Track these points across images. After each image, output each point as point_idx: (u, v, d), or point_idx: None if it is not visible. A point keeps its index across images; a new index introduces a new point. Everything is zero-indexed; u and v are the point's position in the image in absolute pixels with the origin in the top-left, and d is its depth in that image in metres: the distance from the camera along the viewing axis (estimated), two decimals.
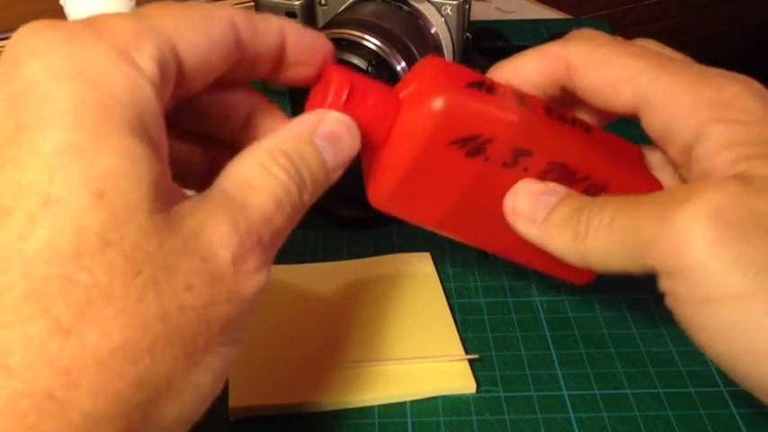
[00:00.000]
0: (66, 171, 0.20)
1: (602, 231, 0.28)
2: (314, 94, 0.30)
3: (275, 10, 0.55)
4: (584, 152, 0.31)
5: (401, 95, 0.30)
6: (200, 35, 0.24)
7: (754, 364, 0.24)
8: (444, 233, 0.33)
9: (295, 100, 0.50)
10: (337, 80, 0.28)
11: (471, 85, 0.30)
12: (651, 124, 0.30)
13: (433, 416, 0.34)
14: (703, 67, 0.30)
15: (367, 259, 0.42)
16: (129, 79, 0.22)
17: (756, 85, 0.28)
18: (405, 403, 0.35)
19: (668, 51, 0.31)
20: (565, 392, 0.35)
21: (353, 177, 0.37)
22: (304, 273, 0.41)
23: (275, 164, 0.25)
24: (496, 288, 0.41)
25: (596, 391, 0.35)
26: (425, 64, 0.31)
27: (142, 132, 0.21)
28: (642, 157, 0.33)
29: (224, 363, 0.24)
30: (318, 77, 0.29)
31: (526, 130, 0.31)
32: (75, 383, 0.20)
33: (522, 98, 0.31)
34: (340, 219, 0.45)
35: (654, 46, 0.32)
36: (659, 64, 0.30)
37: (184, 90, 0.25)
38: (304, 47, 0.28)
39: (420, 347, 0.37)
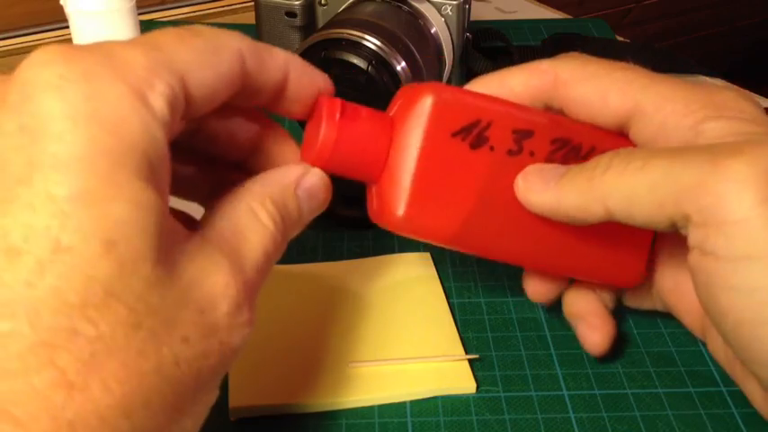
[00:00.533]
0: (78, 218, 0.20)
1: (629, 173, 0.26)
2: (309, 126, 0.30)
3: (275, 10, 0.55)
4: (580, 126, 0.32)
5: (391, 114, 0.30)
6: (208, 69, 0.24)
7: None
8: (464, 248, 0.32)
9: None
10: (328, 101, 0.29)
11: (456, 89, 0.31)
12: (643, 130, 0.30)
13: (433, 416, 0.34)
14: (692, 81, 0.30)
15: (367, 259, 0.42)
16: (143, 122, 0.22)
17: (746, 92, 0.28)
18: (405, 403, 0.35)
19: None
20: (565, 392, 0.35)
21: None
22: (304, 273, 0.41)
23: (264, 211, 0.26)
24: (496, 288, 0.41)
25: (596, 391, 0.35)
26: (405, 87, 0.32)
27: (151, 176, 0.21)
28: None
29: (205, 409, 0.24)
30: (312, 110, 0.29)
31: (519, 108, 0.31)
32: None
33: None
34: (340, 219, 0.45)
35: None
36: (648, 75, 0.30)
37: (190, 116, 0.25)
38: (304, 85, 0.29)
39: (420, 347, 0.37)
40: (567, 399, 0.35)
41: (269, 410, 0.34)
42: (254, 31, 0.57)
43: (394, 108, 0.31)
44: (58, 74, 0.21)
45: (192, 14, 0.75)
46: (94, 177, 0.20)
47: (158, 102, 0.22)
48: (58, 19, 0.68)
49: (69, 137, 0.20)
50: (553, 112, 0.32)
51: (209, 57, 0.24)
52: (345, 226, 0.45)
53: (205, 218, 0.26)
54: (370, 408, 0.34)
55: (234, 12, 0.76)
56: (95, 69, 0.21)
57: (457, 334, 0.38)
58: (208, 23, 0.71)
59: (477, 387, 0.35)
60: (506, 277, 0.42)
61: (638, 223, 0.27)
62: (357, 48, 0.47)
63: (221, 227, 0.25)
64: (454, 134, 0.30)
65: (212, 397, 0.25)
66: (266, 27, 0.56)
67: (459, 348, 0.37)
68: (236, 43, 0.26)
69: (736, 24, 1.56)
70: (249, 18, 0.64)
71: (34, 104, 0.21)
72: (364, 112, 0.29)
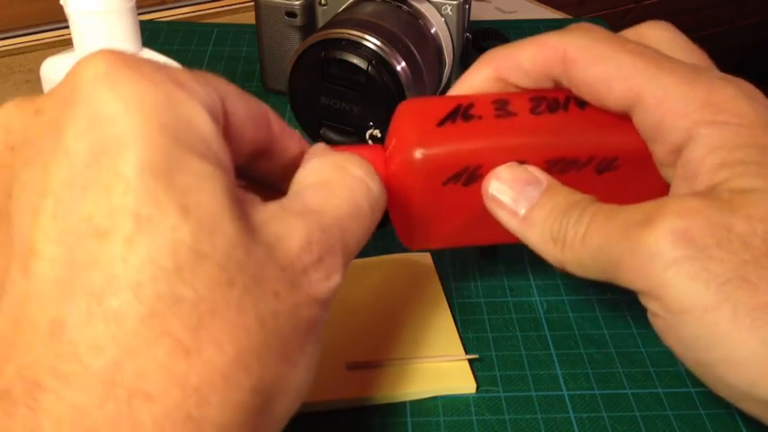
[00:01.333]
0: (149, 190, 0.21)
1: (576, 244, 0.29)
2: None
3: (275, 10, 0.55)
4: (579, 138, 0.32)
5: (387, 152, 0.32)
6: (241, 102, 0.25)
7: (728, 372, 0.25)
8: (472, 245, 0.34)
9: (295, 100, 0.50)
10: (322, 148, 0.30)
11: (445, 119, 0.31)
12: (643, 122, 0.30)
13: (433, 416, 0.34)
14: (699, 67, 0.30)
15: (367, 259, 0.42)
16: (193, 107, 0.22)
17: (749, 87, 0.29)
18: (405, 403, 0.35)
19: (681, 40, 0.31)
20: (565, 392, 0.35)
21: None
22: None
23: (352, 163, 0.27)
24: (496, 288, 0.41)
25: (596, 391, 0.35)
26: (399, 112, 0.32)
27: (207, 153, 0.22)
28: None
29: (313, 360, 0.25)
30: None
31: (509, 146, 0.31)
32: (206, 401, 0.20)
33: (503, 104, 0.32)
34: None
35: (668, 33, 0.31)
36: (655, 62, 0.30)
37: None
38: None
39: (420, 347, 0.37)
40: (566, 399, 0.35)
41: None
42: (254, 31, 0.57)
43: (391, 144, 0.32)
44: (109, 68, 0.22)
45: (192, 14, 0.75)
46: (154, 152, 0.21)
47: (204, 99, 0.23)
48: (58, 19, 0.68)
49: (123, 118, 0.21)
50: (563, 87, 0.32)
51: (241, 93, 0.26)
52: None
53: (292, 182, 0.27)
54: (371, 408, 0.34)
55: (234, 12, 0.76)
56: (144, 67, 0.23)
57: (457, 334, 0.38)
58: (208, 23, 0.71)
59: (477, 387, 0.35)
60: (506, 277, 0.42)
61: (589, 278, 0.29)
62: (357, 48, 0.47)
63: (301, 190, 0.26)
64: (445, 183, 0.31)
65: (317, 348, 0.25)
66: (266, 27, 0.56)
67: (459, 348, 0.37)
68: (264, 106, 0.27)
69: (736, 24, 1.55)
70: (249, 18, 0.64)
71: (85, 93, 0.22)
72: (358, 150, 0.30)
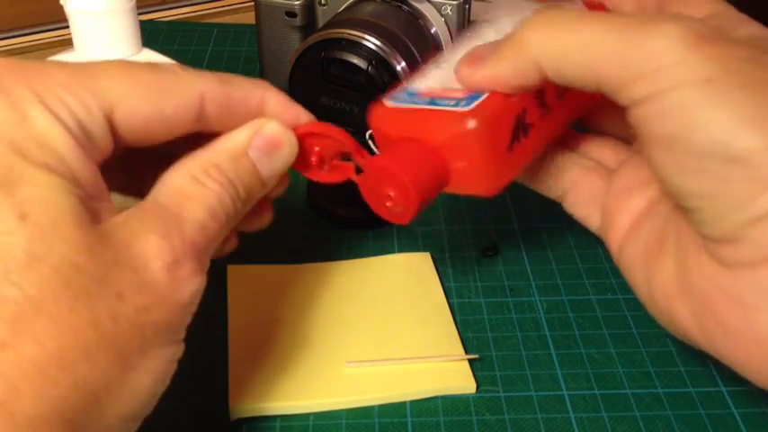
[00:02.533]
0: None
1: (560, 35, 0.27)
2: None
3: (275, 10, 0.55)
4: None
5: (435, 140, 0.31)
6: (146, 105, 0.26)
7: (706, 130, 0.24)
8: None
9: (295, 100, 0.50)
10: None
11: (512, 141, 0.31)
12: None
13: (433, 416, 0.34)
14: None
15: (367, 259, 0.42)
16: (46, 123, 0.23)
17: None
18: (405, 403, 0.35)
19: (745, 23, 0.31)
20: (565, 392, 0.35)
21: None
22: (304, 273, 0.41)
23: (208, 177, 0.27)
24: (496, 288, 0.41)
25: (596, 391, 0.35)
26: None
27: (57, 166, 0.23)
28: None
29: (163, 363, 0.25)
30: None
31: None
32: (16, 388, 0.21)
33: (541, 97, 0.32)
34: (340, 219, 0.45)
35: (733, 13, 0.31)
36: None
37: (123, 141, 0.26)
38: (288, 120, 0.30)
39: (420, 347, 0.37)
40: (566, 399, 0.35)
41: (269, 410, 0.34)
42: (254, 31, 0.57)
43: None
44: None
45: (192, 14, 0.75)
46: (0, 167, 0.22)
47: (64, 112, 0.24)
48: (57, 19, 0.68)
49: None
50: None
51: (152, 94, 0.26)
52: (345, 226, 0.45)
53: (152, 189, 0.27)
54: (370, 408, 0.34)
55: (234, 12, 0.76)
56: (6, 75, 0.24)
57: (457, 334, 0.38)
58: (208, 23, 0.71)
59: (477, 387, 0.35)
60: (506, 277, 0.42)
61: (568, 82, 0.27)
62: (357, 48, 0.46)
63: (159, 197, 0.26)
64: (510, 147, 0.31)
65: (170, 351, 0.26)
66: (266, 27, 0.56)
67: (459, 348, 0.37)
68: (198, 87, 0.27)
69: None
70: (249, 18, 0.64)
71: None
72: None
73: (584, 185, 0.34)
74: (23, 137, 0.23)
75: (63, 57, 0.35)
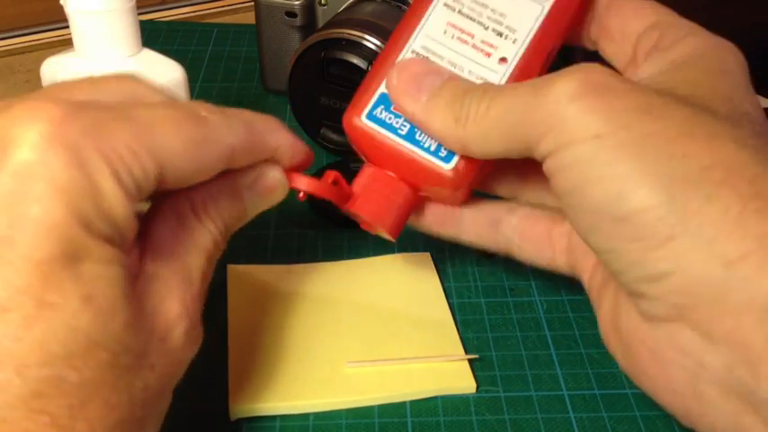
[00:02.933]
0: (57, 278, 0.22)
1: (480, 117, 0.28)
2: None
3: (275, 10, 0.55)
4: None
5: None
6: (190, 161, 0.26)
7: (597, 189, 0.25)
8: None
9: (295, 100, 0.50)
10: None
11: None
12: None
13: (433, 416, 0.34)
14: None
15: (367, 259, 0.42)
16: (114, 195, 0.24)
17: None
18: (405, 403, 0.35)
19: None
20: (565, 392, 0.35)
21: (352, 176, 0.36)
22: (304, 273, 0.41)
23: (207, 217, 0.28)
24: (496, 288, 0.41)
25: (596, 391, 0.35)
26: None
27: (118, 238, 0.24)
28: None
29: (162, 413, 0.27)
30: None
31: None
32: None
33: None
34: (340, 219, 0.45)
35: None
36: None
37: (160, 189, 0.26)
38: (297, 163, 0.32)
39: (420, 347, 0.37)
40: (566, 399, 0.35)
41: (268, 410, 0.34)
42: (254, 31, 0.57)
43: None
44: (45, 137, 0.23)
45: (192, 14, 0.75)
46: (68, 241, 0.23)
47: (129, 180, 0.24)
48: (57, 19, 0.68)
49: (48, 202, 0.22)
50: None
51: (194, 150, 0.26)
52: (345, 226, 0.45)
53: (152, 226, 0.27)
54: (370, 408, 0.34)
55: (234, 12, 0.76)
56: (79, 140, 0.23)
57: (457, 334, 0.38)
58: (208, 23, 0.71)
59: (477, 387, 0.35)
60: (506, 277, 0.42)
61: (495, 157, 0.29)
62: (357, 48, 0.46)
63: (164, 238, 0.27)
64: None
65: (167, 403, 0.27)
66: (266, 27, 0.56)
67: (459, 348, 0.37)
68: (230, 140, 0.27)
69: (736, 24, 1.55)
70: (249, 18, 0.64)
71: (17, 165, 0.22)
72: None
73: (530, 232, 0.34)
74: (92, 209, 0.23)
75: (63, 57, 0.35)
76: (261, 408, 0.34)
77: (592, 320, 0.39)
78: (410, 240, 0.44)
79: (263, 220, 0.46)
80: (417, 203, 0.34)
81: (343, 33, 0.47)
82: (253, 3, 0.56)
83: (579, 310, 0.40)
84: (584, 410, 0.34)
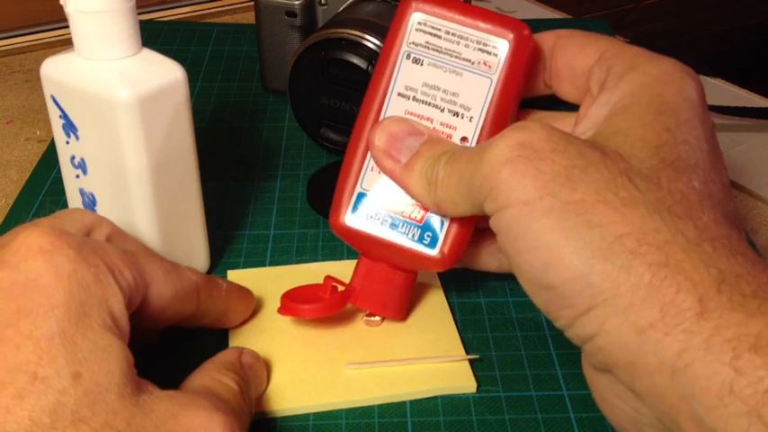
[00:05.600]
0: (52, 354, 0.25)
1: (444, 183, 0.31)
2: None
3: (275, 10, 0.55)
4: None
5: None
6: (170, 286, 0.31)
7: (528, 259, 0.27)
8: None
9: (295, 100, 0.50)
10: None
11: None
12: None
13: (433, 416, 0.34)
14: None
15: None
16: (111, 288, 0.28)
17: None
18: (405, 403, 0.35)
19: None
20: (565, 392, 0.35)
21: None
22: (304, 272, 0.41)
23: (225, 375, 0.31)
24: (496, 288, 0.41)
25: None
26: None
27: (114, 328, 0.27)
28: None
29: None
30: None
31: None
32: None
33: None
34: None
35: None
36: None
37: (143, 320, 0.31)
38: (240, 310, 0.37)
39: (420, 347, 0.37)
40: (566, 399, 0.35)
41: (269, 412, 0.34)
42: (254, 31, 0.57)
43: None
44: (49, 241, 0.27)
45: (191, 14, 0.75)
46: (67, 322, 0.26)
47: (123, 281, 0.29)
48: (58, 19, 0.68)
49: (52, 290, 0.26)
50: None
51: (172, 278, 0.32)
52: None
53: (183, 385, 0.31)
54: (370, 408, 0.34)
55: (234, 12, 0.76)
56: (80, 243, 0.28)
57: (457, 334, 0.38)
58: (208, 23, 0.71)
59: (478, 387, 0.35)
60: (506, 277, 0.42)
61: (466, 215, 0.31)
62: (357, 48, 0.46)
63: (194, 387, 0.30)
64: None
65: None
66: (266, 27, 0.56)
67: (459, 348, 0.37)
68: (194, 277, 0.33)
69: (736, 24, 1.55)
70: (249, 18, 0.64)
71: (28, 264, 0.27)
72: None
73: None
74: (94, 298, 0.27)
75: (63, 57, 0.35)
76: (261, 409, 0.34)
77: None
78: None
79: (263, 220, 0.46)
80: (413, 282, 0.37)
81: (343, 33, 0.47)
82: (253, 3, 0.56)
83: None
84: (584, 410, 0.34)
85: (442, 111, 0.34)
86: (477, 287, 0.41)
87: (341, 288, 0.36)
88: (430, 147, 0.32)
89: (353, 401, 0.34)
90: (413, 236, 0.34)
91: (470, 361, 0.36)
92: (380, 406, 0.35)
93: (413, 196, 0.33)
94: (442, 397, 0.35)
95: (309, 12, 0.55)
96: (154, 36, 0.68)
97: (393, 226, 0.34)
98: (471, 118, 0.33)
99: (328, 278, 0.36)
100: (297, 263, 0.42)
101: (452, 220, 0.34)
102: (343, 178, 0.35)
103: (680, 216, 0.26)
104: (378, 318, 0.38)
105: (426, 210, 0.34)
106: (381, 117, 0.34)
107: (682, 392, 0.24)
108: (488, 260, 0.37)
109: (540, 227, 0.26)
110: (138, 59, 0.35)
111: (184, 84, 0.36)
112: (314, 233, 0.45)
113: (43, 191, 0.48)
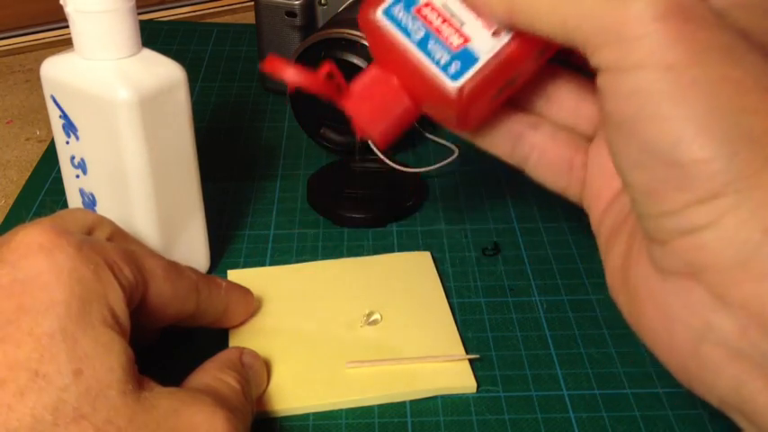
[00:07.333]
0: (53, 351, 0.25)
1: None
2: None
3: (275, 10, 0.55)
4: None
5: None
6: (169, 283, 0.32)
7: (652, 128, 0.23)
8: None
9: (295, 100, 0.50)
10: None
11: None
12: None
13: (433, 416, 0.34)
14: None
15: (367, 258, 0.42)
16: (111, 284, 0.28)
17: None
18: (405, 403, 0.35)
19: None
20: (565, 392, 0.35)
21: (352, 175, 0.37)
22: (303, 272, 0.41)
23: (226, 374, 0.31)
24: (496, 288, 0.41)
25: (596, 391, 0.35)
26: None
27: (115, 324, 0.27)
28: None
29: None
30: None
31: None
32: None
33: None
34: (340, 218, 0.45)
35: None
36: None
37: (144, 320, 0.31)
38: (240, 312, 0.37)
39: (420, 347, 0.37)
40: (566, 399, 0.35)
41: (269, 411, 0.34)
42: (254, 31, 0.57)
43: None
44: (49, 239, 0.27)
45: (191, 14, 0.75)
46: (68, 319, 0.26)
47: (123, 278, 0.29)
48: (57, 19, 0.68)
49: (52, 287, 0.26)
50: None
51: (172, 276, 0.32)
52: (345, 226, 0.45)
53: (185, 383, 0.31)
54: (370, 408, 0.34)
55: (234, 12, 0.76)
56: (80, 241, 0.28)
57: (457, 334, 0.38)
58: (208, 23, 0.71)
59: (478, 387, 0.35)
60: (506, 277, 0.42)
61: (539, 35, 0.26)
62: (357, 47, 0.47)
63: (196, 385, 0.30)
64: (490, 102, 0.30)
65: None
66: (266, 27, 0.56)
67: (459, 348, 0.37)
68: (194, 276, 0.34)
69: None
70: (249, 18, 0.64)
71: (28, 262, 0.27)
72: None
73: (550, 154, 0.32)
74: (94, 295, 0.27)
75: (63, 57, 0.35)
76: (261, 409, 0.34)
77: (592, 320, 0.39)
78: (410, 240, 0.44)
79: (263, 220, 0.46)
80: (415, 118, 0.32)
81: (343, 33, 0.47)
82: (253, 3, 0.56)
83: (579, 310, 0.40)
84: (584, 410, 0.34)
85: None
86: (477, 287, 0.41)
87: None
88: None
89: (353, 401, 0.34)
90: (440, 59, 0.29)
91: (470, 361, 0.36)
92: (380, 406, 0.35)
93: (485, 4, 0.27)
94: (442, 397, 0.35)
95: (309, 12, 0.55)
96: (154, 36, 0.68)
97: (424, 40, 0.29)
98: None
99: (329, 63, 0.31)
100: (297, 263, 0.42)
101: (489, 61, 0.28)
102: None
103: None
104: (378, 317, 0.38)
105: (467, 40, 0.29)
106: None
107: None
108: (501, 141, 0.32)
109: (681, 96, 0.23)
110: (138, 59, 0.35)
111: (184, 84, 0.36)
112: (314, 233, 0.45)
113: (43, 191, 0.48)
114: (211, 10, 0.76)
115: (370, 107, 0.31)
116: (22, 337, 0.25)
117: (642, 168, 0.24)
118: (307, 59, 0.48)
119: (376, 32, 0.30)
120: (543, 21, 0.25)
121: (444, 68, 0.29)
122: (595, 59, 0.24)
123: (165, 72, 0.35)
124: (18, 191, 0.49)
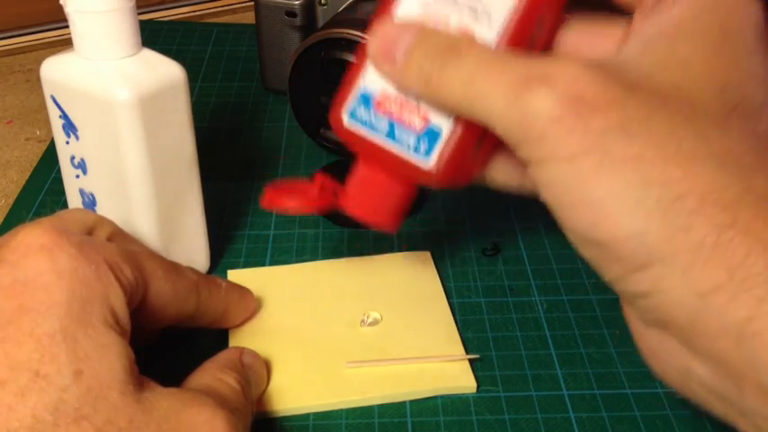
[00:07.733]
0: (53, 352, 0.25)
1: (455, 86, 0.27)
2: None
3: (275, 10, 0.55)
4: None
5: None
6: (169, 283, 0.32)
7: (573, 214, 0.25)
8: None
9: (294, 100, 0.50)
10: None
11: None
12: None
13: (433, 416, 0.34)
14: None
15: (367, 258, 0.42)
16: (112, 284, 0.28)
17: None
18: (405, 403, 0.35)
19: None
20: (565, 392, 0.35)
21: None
22: (304, 271, 0.41)
23: (226, 375, 0.31)
24: (496, 288, 0.41)
25: (596, 391, 0.35)
26: None
27: (115, 325, 0.27)
28: None
29: None
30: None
31: None
32: None
33: None
34: (340, 219, 0.45)
35: None
36: None
37: (144, 320, 0.31)
38: (239, 311, 0.37)
39: (420, 347, 0.37)
40: (566, 399, 0.35)
41: (269, 412, 0.34)
42: (254, 31, 0.57)
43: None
44: (50, 239, 0.27)
45: (191, 14, 0.75)
46: (69, 320, 0.26)
47: (124, 278, 0.29)
48: (58, 19, 0.68)
49: (53, 288, 0.26)
50: None
51: (172, 276, 0.32)
52: (345, 226, 0.45)
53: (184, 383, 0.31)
54: (370, 408, 0.34)
55: (234, 12, 0.76)
56: (81, 241, 0.28)
57: (457, 334, 0.38)
58: (208, 23, 0.71)
59: (478, 387, 0.35)
60: (506, 277, 0.42)
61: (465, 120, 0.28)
62: (357, 48, 0.46)
63: (196, 386, 0.30)
64: (471, 161, 0.31)
65: None
66: (266, 27, 0.56)
67: (459, 348, 0.37)
68: (194, 276, 0.34)
69: None
70: (249, 18, 0.64)
71: (29, 262, 0.27)
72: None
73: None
74: (95, 295, 0.27)
75: (63, 57, 0.35)
76: (261, 409, 0.34)
77: (592, 320, 0.39)
78: (410, 240, 0.44)
79: (263, 220, 0.46)
80: (412, 196, 0.33)
81: (343, 33, 0.47)
82: (253, 3, 0.56)
83: (579, 310, 0.40)
84: (584, 410, 0.34)
85: (461, 11, 0.29)
86: (477, 287, 0.41)
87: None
88: (425, 40, 0.28)
89: (353, 401, 0.34)
90: (409, 143, 0.31)
91: (470, 361, 0.36)
92: (380, 406, 0.35)
93: (414, 94, 0.29)
94: (442, 397, 0.35)
95: (309, 12, 0.55)
96: (154, 36, 0.68)
97: (390, 131, 0.31)
98: (490, 20, 0.29)
99: (320, 175, 0.33)
100: (297, 263, 0.42)
101: (452, 133, 0.30)
102: (348, 77, 0.32)
103: (749, 168, 0.23)
104: (377, 317, 0.38)
105: (426, 120, 0.30)
106: (393, 15, 0.30)
107: (748, 359, 0.22)
108: (507, 178, 0.33)
109: (587, 184, 0.24)
110: (138, 59, 0.35)
111: (184, 84, 0.36)
112: (314, 233, 0.45)
113: (43, 191, 0.48)
114: (211, 10, 0.75)
115: (370, 202, 0.34)
116: (22, 338, 0.25)
117: (582, 246, 0.26)
118: (307, 59, 0.48)
119: (349, 136, 0.32)
120: (463, 110, 0.27)
121: (416, 150, 0.31)
122: (517, 153, 0.26)
123: (165, 72, 0.35)
124: (18, 191, 0.49)
